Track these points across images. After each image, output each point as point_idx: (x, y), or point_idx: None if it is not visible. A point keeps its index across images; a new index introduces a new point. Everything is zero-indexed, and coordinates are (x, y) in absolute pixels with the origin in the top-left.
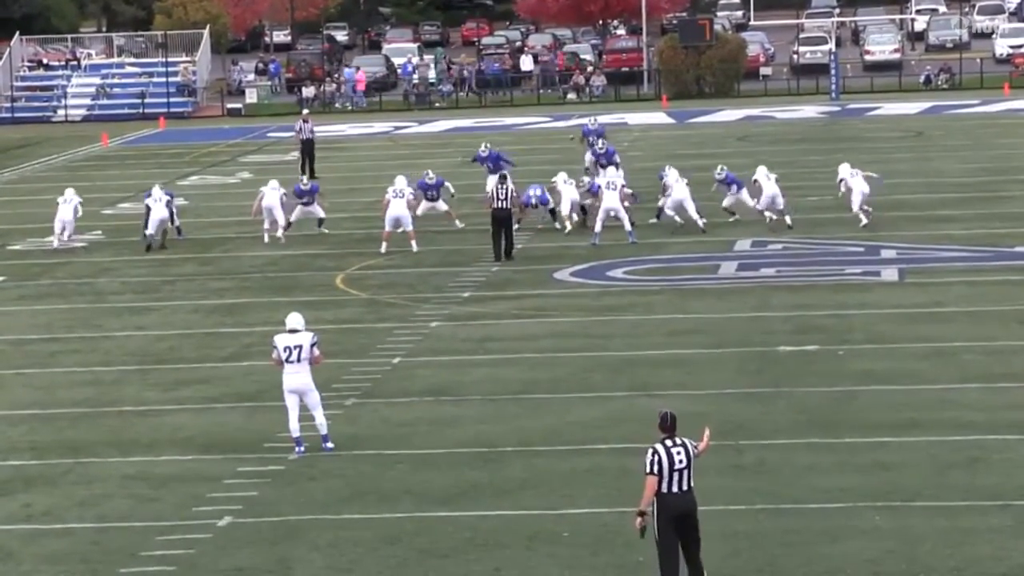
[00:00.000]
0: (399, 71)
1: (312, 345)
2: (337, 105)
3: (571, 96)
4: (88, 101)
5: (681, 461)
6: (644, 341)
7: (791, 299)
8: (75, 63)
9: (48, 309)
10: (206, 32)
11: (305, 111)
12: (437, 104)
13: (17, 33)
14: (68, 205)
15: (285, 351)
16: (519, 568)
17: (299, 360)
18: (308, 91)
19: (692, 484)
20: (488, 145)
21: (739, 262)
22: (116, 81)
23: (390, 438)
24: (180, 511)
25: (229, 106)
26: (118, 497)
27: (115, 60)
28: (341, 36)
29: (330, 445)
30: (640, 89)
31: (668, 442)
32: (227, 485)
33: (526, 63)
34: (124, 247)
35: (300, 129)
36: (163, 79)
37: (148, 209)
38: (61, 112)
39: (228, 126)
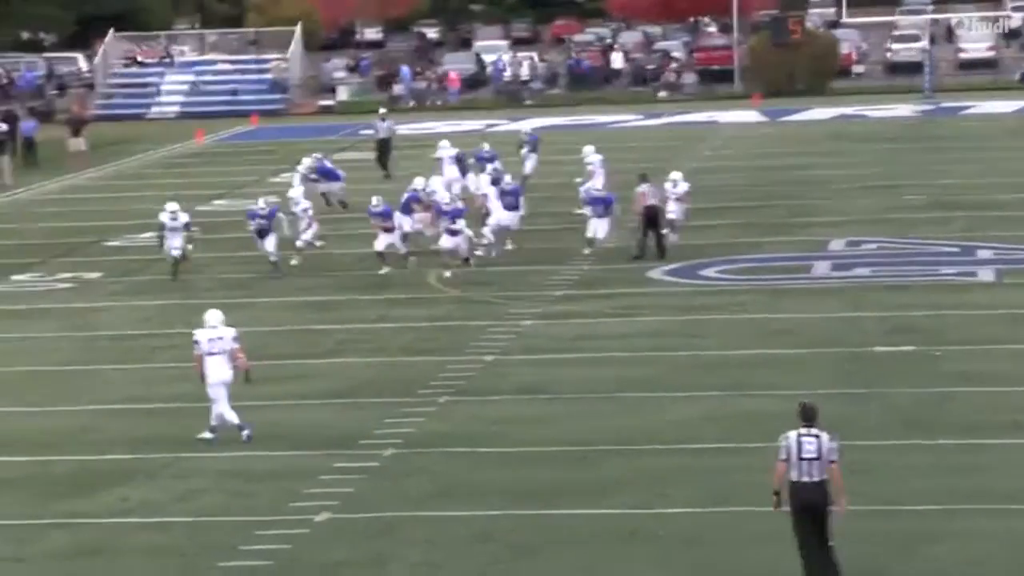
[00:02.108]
0: (490, 68)
1: (233, 338)
2: (427, 103)
3: (662, 94)
4: (182, 98)
5: (810, 451)
6: (737, 341)
7: (886, 299)
8: (169, 60)
9: (145, 305)
10: (298, 29)
11: (382, 110)
12: (528, 102)
13: (111, 30)
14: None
15: (208, 343)
16: (613, 567)
17: (221, 352)
18: (398, 88)
19: (824, 477)
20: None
21: (833, 262)
22: (209, 78)
23: (483, 436)
24: (277, 506)
25: (321, 103)
26: (215, 492)
27: (208, 57)
28: (432, 33)
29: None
30: (731, 87)
31: (802, 430)
32: (323, 481)
33: (616, 60)
34: (218, 244)
35: (377, 129)
36: (255, 76)
37: (163, 227)
38: (155, 109)
39: (320, 123)
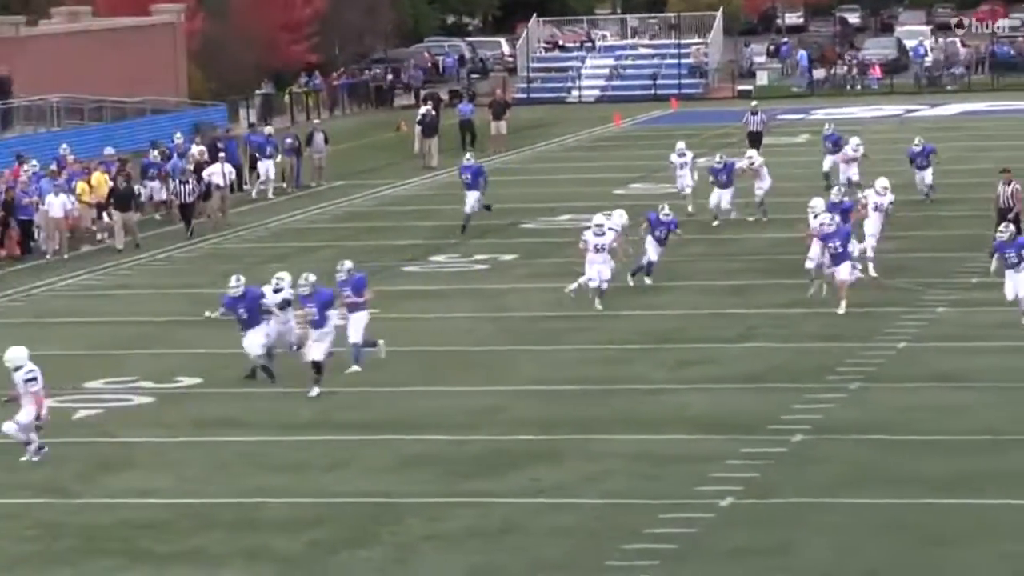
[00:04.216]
0: (910, 53)
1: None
2: (847, 88)
3: None
4: (602, 82)
5: None
6: None
7: None
8: (590, 44)
9: (557, 287)
10: (719, 14)
11: (754, 103)
12: (949, 87)
13: (535, 15)
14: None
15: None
16: None
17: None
18: (818, 73)
19: None
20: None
21: None
22: (629, 63)
23: (894, 423)
24: (682, 490)
25: (740, 88)
26: (622, 474)
27: (628, 41)
28: (853, 18)
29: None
30: None
31: None
32: (729, 466)
33: None
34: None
35: (747, 121)
36: (675, 60)
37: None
38: (575, 93)
39: (739, 108)
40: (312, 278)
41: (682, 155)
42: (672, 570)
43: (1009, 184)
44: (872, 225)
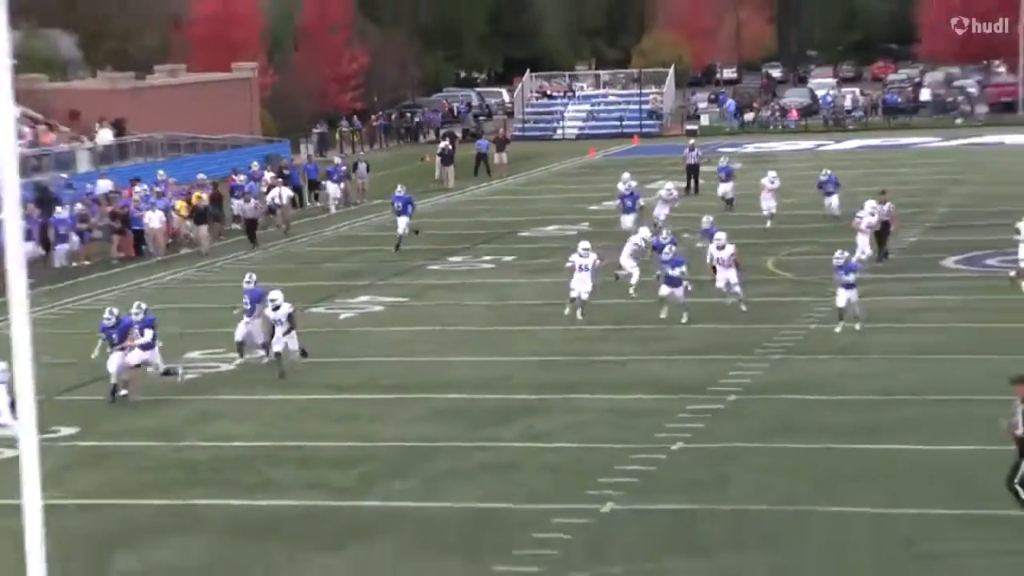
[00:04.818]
0: (820, 100)
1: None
2: (770, 127)
3: (958, 120)
4: (580, 123)
5: None
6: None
7: None
8: (571, 94)
9: (545, 282)
10: (671, 70)
11: (691, 140)
12: (850, 127)
13: (528, 71)
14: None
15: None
16: (912, 496)
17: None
18: (749, 116)
19: None
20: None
21: None
22: (601, 108)
23: (809, 385)
24: (644, 437)
25: (688, 127)
26: (599, 424)
27: (601, 92)
28: (776, 73)
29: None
30: (1016, 115)
31: None
32: (680, 418)
33: (924, 94)
34: (605, 235)
35: (686, 155)
36: (637, 106)
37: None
38: (560, 131)
39: (682, 144)
40: (115, 310)
41: (625, 183)
42: (636, 499)
43: (884, 204)
44: (862, 240)
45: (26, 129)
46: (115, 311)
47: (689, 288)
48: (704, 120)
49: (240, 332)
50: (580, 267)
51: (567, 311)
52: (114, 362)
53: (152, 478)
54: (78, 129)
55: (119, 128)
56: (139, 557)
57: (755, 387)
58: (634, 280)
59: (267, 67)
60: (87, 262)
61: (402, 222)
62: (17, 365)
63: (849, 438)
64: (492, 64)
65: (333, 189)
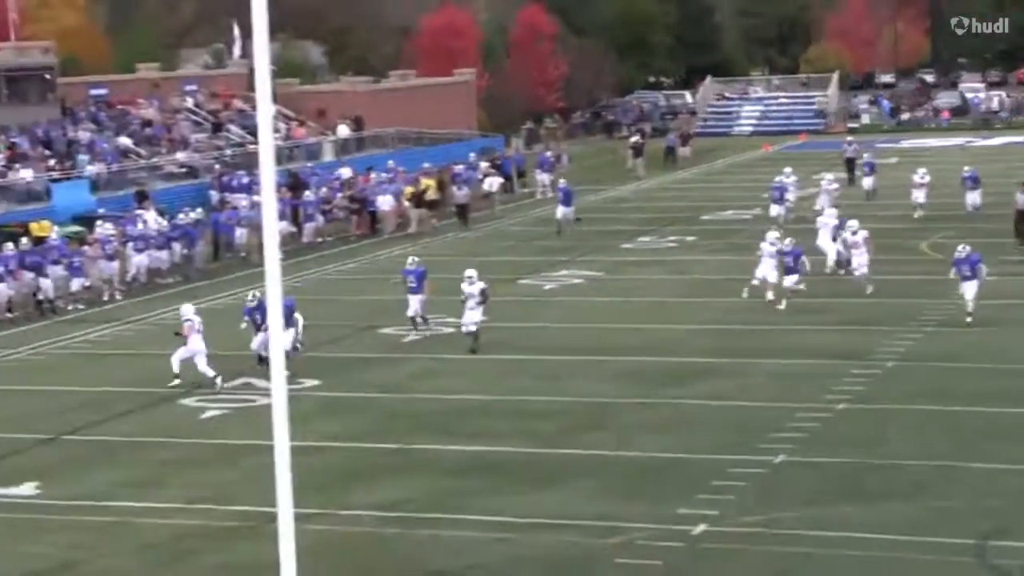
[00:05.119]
0: (969, 102)
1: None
2: (925, 126)
3: None
4: (754, 121)
5: None
6: None
7: None
8: (746, 96)
9: (722, 259)
10: (835, 75)
11: (849, 137)
12: (997, 125)
13: (708, 76)
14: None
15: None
16: None
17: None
18: (905, 115)
19: None
20: None
21: None
22: (773, 108)
23: (958, 355)
24: (811, 397)
25: (849, 125)
26: (766, 387)
27: (773, 94)
28: (929, 78)
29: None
30: None
31: None
32: (843, 381)
33: None
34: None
35: (844, 149)
36: (805, 107)
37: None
38: (736, 129)
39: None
40: (258, 294)
41: (788, 176)
42: (804, 452)
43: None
44: None
45: (281, 125)
46: (258, 294)
47: (806, 270)
48: (864, 119)
49: (412, 308)
50: (769, 255)
51: (745, 294)
52: (258, 341)
53: (382, 425)
54: (324, 125)
55: (358, 124)
56: (369, 491)
57: (911, 355)
58: (830, 261)
59: (483, 72)
60: (330, 238)
61: (560, 210)
62: (271, 325)
63: (998, 402)
64: (677, 71)
65: (543, 177)
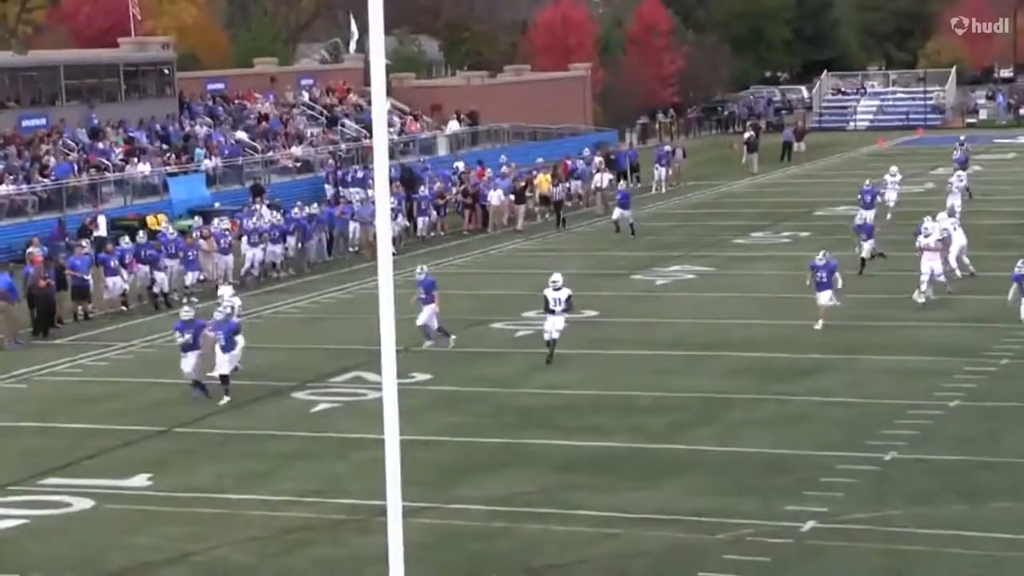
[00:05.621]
0: None
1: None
2: None
3: None
4: (871, 117)
5: None
6: None
7: None
8: (863, 91)
9: (837, 254)
10: (953, 70)
11: (962, 137)
12: None
13: (825, 70)
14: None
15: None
16: None
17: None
18: (1022, 111)
19: None
20: None
21: None
22: (890, 103)
23: None
24: (922, 394)
25: (968, 121)
26: (876, 383)
27: (890, 89)
28: None
29: None
30: None
31: None
32: (956, 379)
33: None
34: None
35: (957, 149)
36: (922, 102)
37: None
38: (852, 124)
39: (966, 135)
40: (232, 304)
41: (893, 176)
42: (915, 449)
43: None
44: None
45: (396, 119)
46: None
47: (838, 286)
48: (982, 114)
49: (422, 318)
50: (924, 247)
51: (916, 295)
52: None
53: (491, 420)
54: (438, 120)
55: (473, 119)
56: (478, 486)
57: None
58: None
59: (598, 67)
60: (443, 232)
61: (617, 212)
62: (382, 320)
63: None
64: (793, 65)
65: (660, 172)
